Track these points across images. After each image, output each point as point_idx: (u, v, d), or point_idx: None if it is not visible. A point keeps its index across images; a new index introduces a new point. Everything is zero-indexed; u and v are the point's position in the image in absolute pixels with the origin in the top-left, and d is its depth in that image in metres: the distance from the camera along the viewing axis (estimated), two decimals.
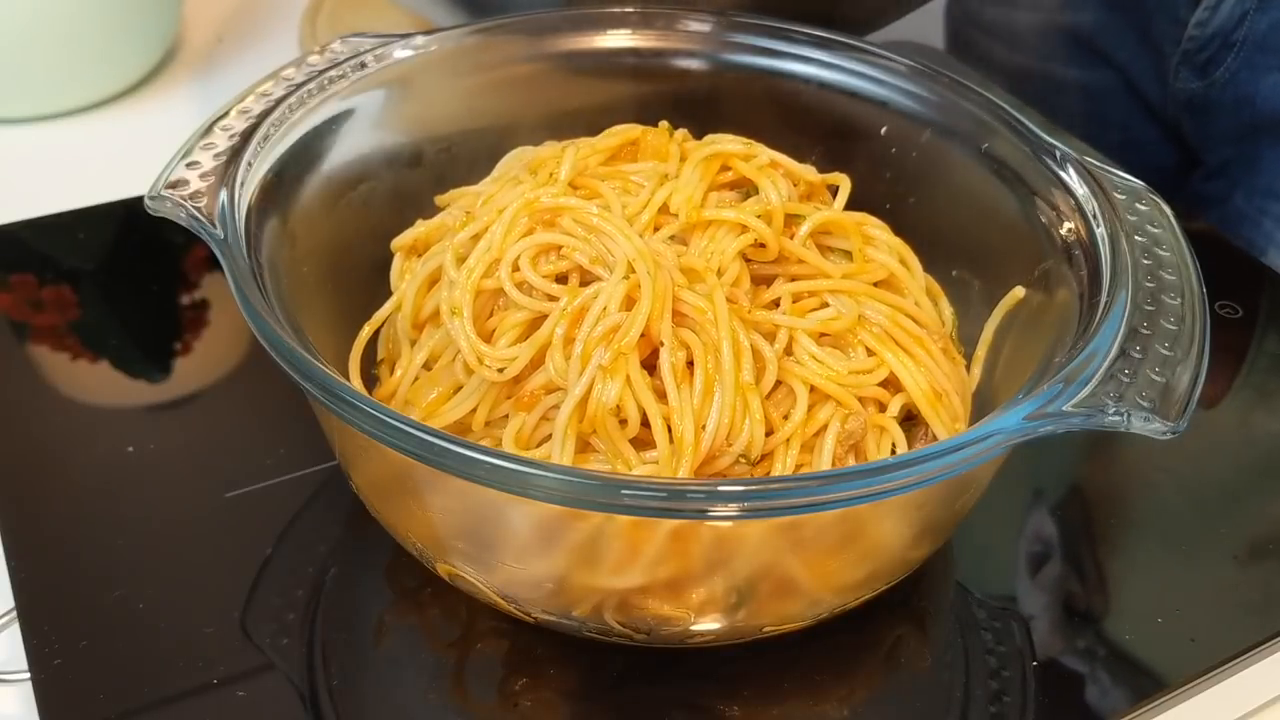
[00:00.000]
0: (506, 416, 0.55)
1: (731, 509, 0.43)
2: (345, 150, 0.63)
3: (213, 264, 0.71)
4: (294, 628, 0.56)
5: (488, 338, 0.55)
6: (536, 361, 0.54)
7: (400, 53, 0.65)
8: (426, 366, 0.58)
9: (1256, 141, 0.94)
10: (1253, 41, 0.90)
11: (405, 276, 0.61)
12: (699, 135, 0.66)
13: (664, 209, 0.59)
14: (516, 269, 0.55)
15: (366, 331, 0.60)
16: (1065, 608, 0.60)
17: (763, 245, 0.58)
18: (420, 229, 0.62)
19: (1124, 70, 1.02)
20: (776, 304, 0.57)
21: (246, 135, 0.57)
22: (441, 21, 0.86)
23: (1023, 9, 1.09)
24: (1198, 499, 0.66)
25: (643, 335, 0.52)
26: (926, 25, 1.17)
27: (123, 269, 0.80)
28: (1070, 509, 0.66)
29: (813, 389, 0.55)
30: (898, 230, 0.63)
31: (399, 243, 0.63)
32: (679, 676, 0.55)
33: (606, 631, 0.52)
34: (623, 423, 0.52)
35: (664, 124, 0.64)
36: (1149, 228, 0.56)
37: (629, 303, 0.53)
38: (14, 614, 0.56)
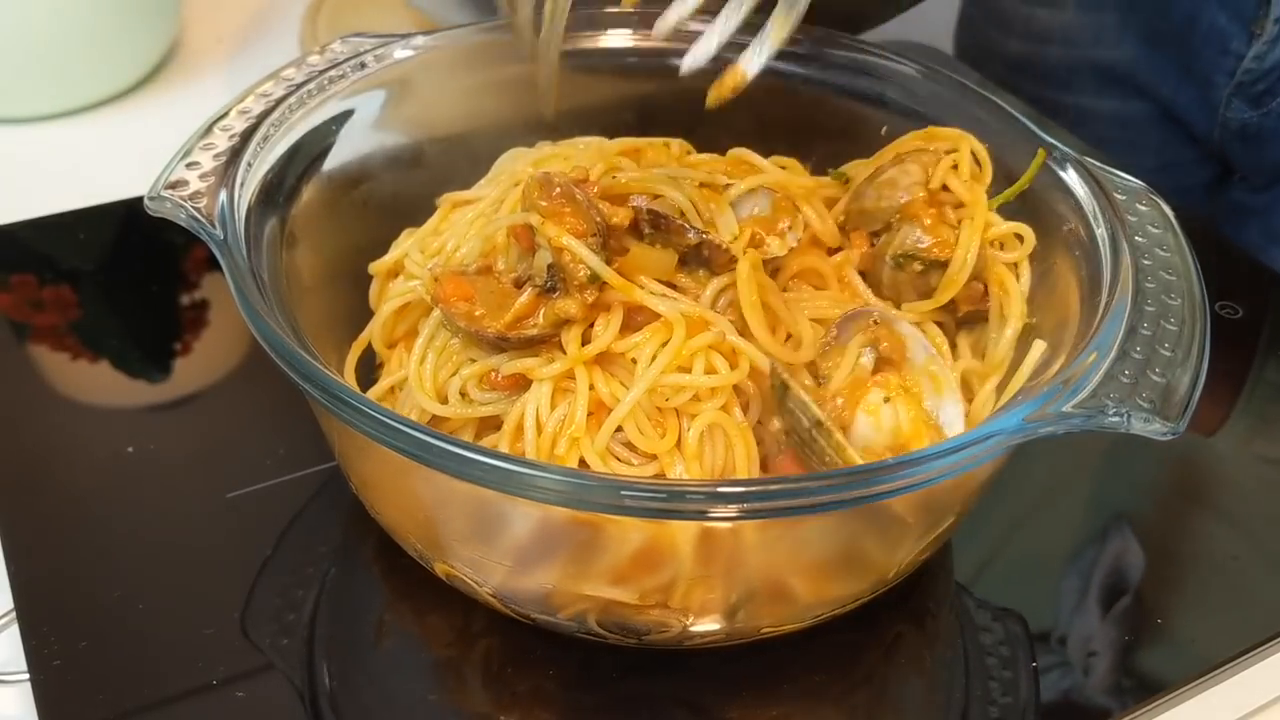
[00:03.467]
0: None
1: (732, 510, 0.43)
2: (345, 150, 0.63)
3: (213, 264, 0.71)
4: (294, 628, 0.56)
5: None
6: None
7: (400, 53, 0.65)
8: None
9: None
10: None
11: (383, 299, 0.62)
12: (698, 135, 0.66)
13: None
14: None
15: (352, 358, 0.61)
16: (1066, 609, 0.60)
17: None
18: (397, 253, 0.62)
19: (1164, 102, 1.01)
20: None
21: (246, 136, 0.57)
22: (450, 19, 0.86)
23: (1053, 45, 1.06)
24: (1198, 500, 0.66)
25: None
26: (929, 30, 1.17)
27: (123, 269, 0.80)
28: (1072, 512, 0.66)
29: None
30: None
31: (377, 267, 0.63)
32: (678, 675, 0.55)
33: (602, 635, 0.52)
34: None
35: (661, 140, 0.65)
36: (1149, 228, 0.56)
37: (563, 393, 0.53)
38: (14, 614, 0.56)
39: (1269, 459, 0.69)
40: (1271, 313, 0.79)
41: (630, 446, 0.53)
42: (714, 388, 0.53)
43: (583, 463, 0.52)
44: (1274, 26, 0.90)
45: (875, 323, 0.55)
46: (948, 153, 0.61)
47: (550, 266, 0.53)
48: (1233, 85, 0.94)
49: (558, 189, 0.55)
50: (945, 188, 0.60)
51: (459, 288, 0.55)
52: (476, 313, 0.55)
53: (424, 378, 0.56)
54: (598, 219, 0.54)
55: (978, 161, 0.62)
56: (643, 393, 0.52)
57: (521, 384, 0.54)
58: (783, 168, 0.65)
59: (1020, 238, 0.60)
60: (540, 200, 0.55)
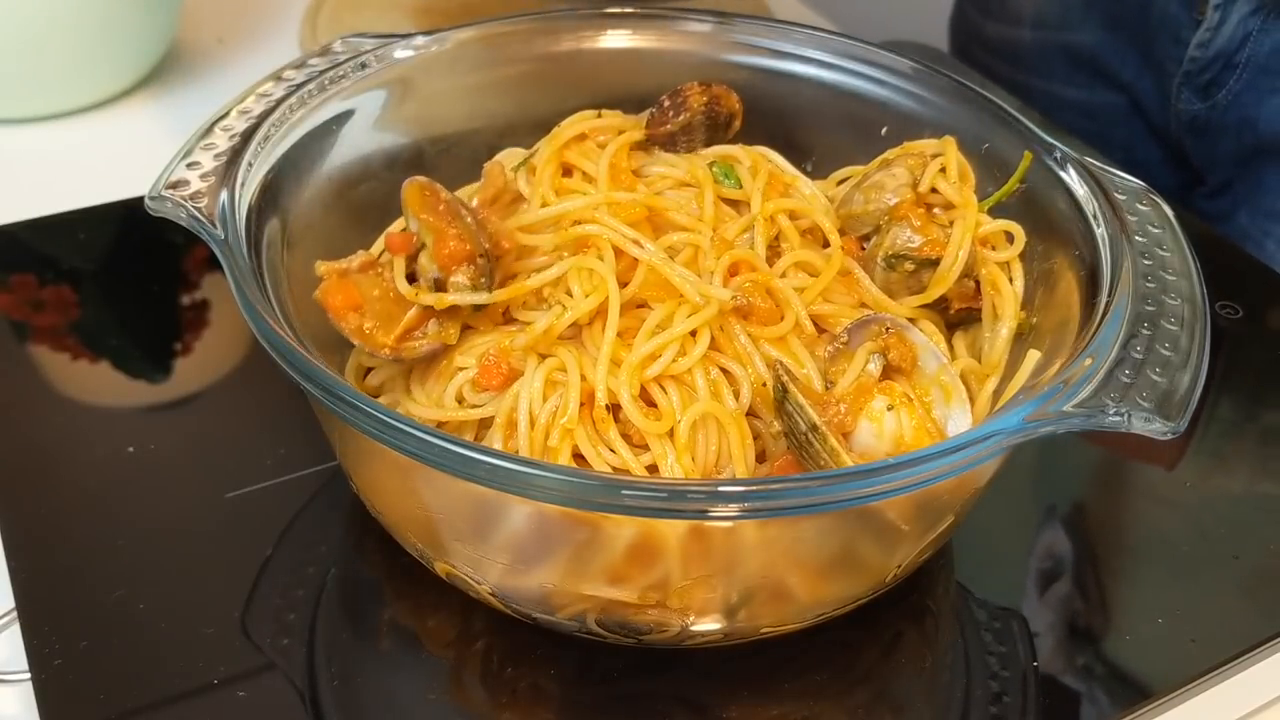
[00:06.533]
0: None
1: (732, 509, 0.43)
2: (345, 150, 0.63)
3: (213, 264, 0.71)
4: (294, 628, 0.56)
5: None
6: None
7: (400, 53, 0.65)
8: None
9: (1260, 164, 0.94)
10: (1255, 64, 0.90)
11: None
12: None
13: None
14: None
15: (354, 359, 0.61)
16: (1066, 608, 0.60)
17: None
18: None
19: (1127, 90, 1.01)
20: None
21: (247, 136, 0.57)
22: None
23: (1025, 27, 1.08)
24: (1199, 501, 0.66)
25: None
26: (929, 30, 1.17)
27: (123, 269, 0.80)
28: (1072, 511, 0.66)
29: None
30: None
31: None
32: (678, 674, 0.55)
33: (601, 635, 0.52)
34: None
35: (593, 112, 0.65)
36: (1149, 228, 0.56)
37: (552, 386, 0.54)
38: (14, 614, 0.56)
39: (1270, 462, 0.69)
40: (1273, 312, 0.79)
41: (625, 438, 0.53)
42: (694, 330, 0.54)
43: (576, 453, 0.52)
44: (1214, 13, 0.90)
45: (887, 330, 0.55)
46: (934, 156, 0.61)
47: (437, 280, 0.55)
48: (1181, 74, 0.94)
49: (442, 205, 0.55)
50: (933, 190, 0.60)
51: (347, 295, 0.56)
52: (367, 327, 0.55)
53: (419, 398, 0.57)
54: (485, 244, 0.55)
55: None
56: (643, 356, 0.53)
57: (515, 377, 0.55)
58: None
59: (1011, 237, 0.60)
60: (424, 214, 0.55)
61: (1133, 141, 1.03)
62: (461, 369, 0.56)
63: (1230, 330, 0.76)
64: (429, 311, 0.55)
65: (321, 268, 0.57)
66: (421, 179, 0.57)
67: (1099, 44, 1.01)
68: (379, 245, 0.63)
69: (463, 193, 0.65)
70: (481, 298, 0.55)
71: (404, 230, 0.57)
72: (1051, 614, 0.59)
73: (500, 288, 0.57)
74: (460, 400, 0.56)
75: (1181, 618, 0.59)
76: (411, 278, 0.56)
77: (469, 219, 0.55)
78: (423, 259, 0.56)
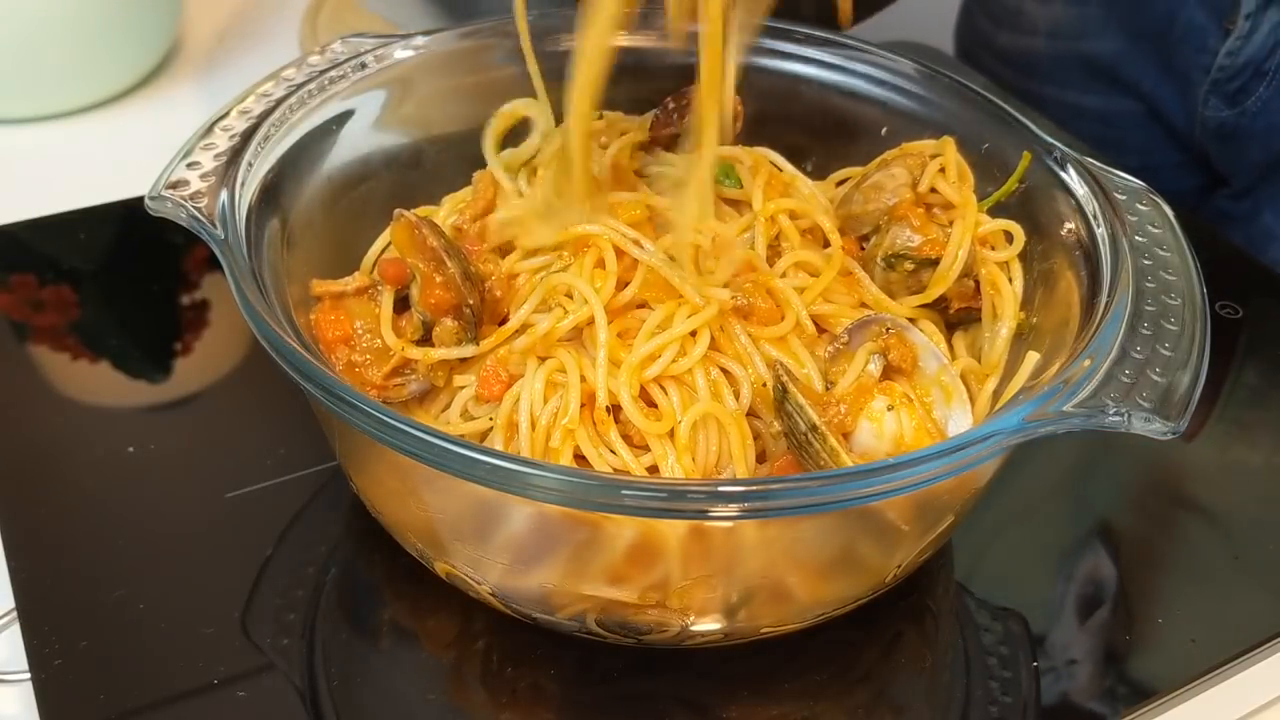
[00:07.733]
0: None
1: (732, 509, 0.43)
2: (345, 150, 0.63)
3: (213, 264, 0.71)
4: (294, 628, 0.56)
5: None
6: None
7: (400, 53, 0.65)
8: None
9: None
10: None
11: None
12: None
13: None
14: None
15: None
16: (1067, 608, 0.60)
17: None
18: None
19: (1146, 98, 1.01)
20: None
21: (247, 135, 0.57)
22: (410, 25, 0.86)
23: (1039, 37, 1.07)
24: (1199, 501, 0.66)
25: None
26: (931, 32, 1.17)
27: (123, 269, 0.80)
28: (1072, 511, 0.66)
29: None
30: None
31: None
32: (678, 674, 0.55)
33: (601, 635, 0.52)
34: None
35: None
36: (1149, 228, 0.56)
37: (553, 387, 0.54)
38: (14, 614, 0.56)
39: (1269, 462, 0.69)
40: (1270, 312, 0.79)
41: (626, 439, 0.53)
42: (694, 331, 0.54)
43: (578, 454, 0.53)
44: (1245, 22, 0.90)
45: (887, 330, 0.55)
46: (933, 157, 0.61)
47: (425, 324, 0.55)
48: (1209, 83, 0.94)
49: (429, 248, 0.55)
50: (933, 190, 0.60)
51: (338, 325, 0.56)
52: (357, 362, 0.56)
53: (421, 418, 0.57)
54: (470, 300, 0.55)
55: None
56: (643, 356, 0.53)
57: (514, 384, 0.55)
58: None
59: (1010, 236, 0.60)
60: (411, 256, 0.55)
61: (1150, 145, 1.02)
62: (461, 387, 0.57)
63: (1231, 330, 0.76)
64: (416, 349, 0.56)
65: (318, 288, 0.57)
66: (410, 216, 0.56)
67: (1118, 53, 1.01)
68: (377, 247, 0.63)
69: (462, 195, 0.66)
70: (467, 351, 0.55)
71: (399, 257, 0.57)
72: (1052, 614, 0.59)
73: (490, 321, 0.57)
74: (463, 414, 0.56)
75: (1181, 617, 0.59)
76: (407, 300, 0.56)
77: (453, 268, 0.55)
78: (414, 290, 0.56)
